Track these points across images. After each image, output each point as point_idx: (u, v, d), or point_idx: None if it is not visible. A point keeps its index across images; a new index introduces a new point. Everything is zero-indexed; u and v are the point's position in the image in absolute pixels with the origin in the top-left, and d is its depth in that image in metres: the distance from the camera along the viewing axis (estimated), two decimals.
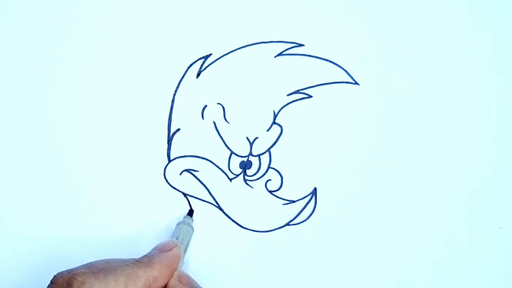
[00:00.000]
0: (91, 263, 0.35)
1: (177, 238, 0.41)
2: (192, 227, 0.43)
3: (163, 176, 0.44)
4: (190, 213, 0.44)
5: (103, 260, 0.36)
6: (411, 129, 0.44)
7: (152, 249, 0.38)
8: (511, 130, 0.44)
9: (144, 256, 0.37)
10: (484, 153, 0.44)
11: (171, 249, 0.38)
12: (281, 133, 0.44)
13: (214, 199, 0.44)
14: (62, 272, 0.34)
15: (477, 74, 0.45)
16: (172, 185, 0.44)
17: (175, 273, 0.38)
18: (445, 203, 0.44)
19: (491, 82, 0.45)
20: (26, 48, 0.45)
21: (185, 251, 0.41)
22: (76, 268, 0.34)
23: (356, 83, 0.45)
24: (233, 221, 0.44)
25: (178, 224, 0.42)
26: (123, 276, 0.34)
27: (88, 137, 0.44)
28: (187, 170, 0.44)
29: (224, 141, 0.44)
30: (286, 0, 0.45)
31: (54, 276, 0.34)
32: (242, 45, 0.45)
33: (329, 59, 0.45)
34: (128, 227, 0.44)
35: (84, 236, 0.44)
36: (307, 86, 0.45)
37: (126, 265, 0.35)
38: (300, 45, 0.45)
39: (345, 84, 0.45)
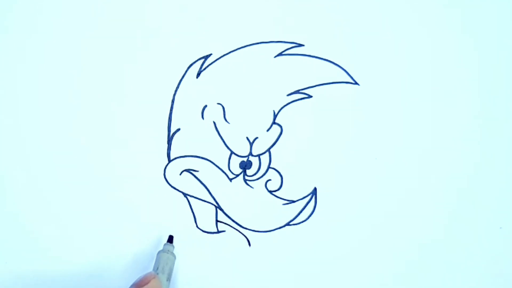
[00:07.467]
0: None
1: (157, 268, 0.40)
2: (173, 254, 0.42)
3: (163, 176, 0.44)
4: (170, 239, 0.43)
5: None
6: (411, 129, 0.44)
7: (130, 286, 0.38)
8: None
9: None
10: (485, 153, 0.44)
11: (148, 283, 0.38)
12: (281, 133, 0.44)
13: (214, 199, 0.44)
14: None
15: (477, 74, 0.45)
16: (172, 185, 0.44)
17: None
18: (445, 203, 0.44)
19: (492, 81, 0.45)
20: (25, 48, 0.45)
21: (168, 279, 0.40)
22: None
23: (356, 83, 0.45)
24: (233, 221, 0.44)
25: (158, 252, 0.42)
26: None
27: (88, 137, 0.44)
28: (187, 170, 0.44)
29: (224, 141, 0.44)
30: (286, 0, 0.45)
31: None
32: (242, 45, 0.45)
33: (329, 59, 0.45)
34: (128, 227, 0.44)
35: (82, 235, 0.44)
36: (307, 86, 0.45)
37: None
38: (300, 45, 0.45)
39: (345, 84, 0.45)
